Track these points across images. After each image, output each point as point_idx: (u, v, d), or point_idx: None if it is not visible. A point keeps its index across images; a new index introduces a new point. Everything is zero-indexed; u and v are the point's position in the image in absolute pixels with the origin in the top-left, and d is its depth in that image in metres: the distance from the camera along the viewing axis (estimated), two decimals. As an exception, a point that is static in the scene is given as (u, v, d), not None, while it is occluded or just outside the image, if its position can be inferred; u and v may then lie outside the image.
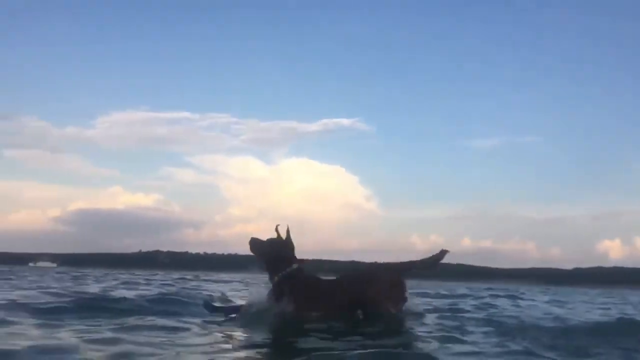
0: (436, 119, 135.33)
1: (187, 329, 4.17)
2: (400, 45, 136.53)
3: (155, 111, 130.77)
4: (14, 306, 5.55)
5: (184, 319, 4.59)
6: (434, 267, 4.47)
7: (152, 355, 3.31)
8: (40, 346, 3.52)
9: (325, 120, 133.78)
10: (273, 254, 4.24)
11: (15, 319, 4.80)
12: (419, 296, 8.24)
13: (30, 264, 77.08)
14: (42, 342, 3.72)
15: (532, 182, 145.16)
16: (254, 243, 4.37)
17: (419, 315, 5.07)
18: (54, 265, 78.02)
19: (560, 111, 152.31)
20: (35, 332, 4.25)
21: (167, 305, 5.46)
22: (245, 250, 4.48)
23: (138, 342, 3.77)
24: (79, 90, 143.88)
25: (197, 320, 4.53)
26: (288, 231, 4.31)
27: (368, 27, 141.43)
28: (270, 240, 4.30)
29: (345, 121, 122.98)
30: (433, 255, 4.47)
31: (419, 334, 4.36)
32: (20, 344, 3.59)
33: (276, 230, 4.28)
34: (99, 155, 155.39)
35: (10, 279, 13.69)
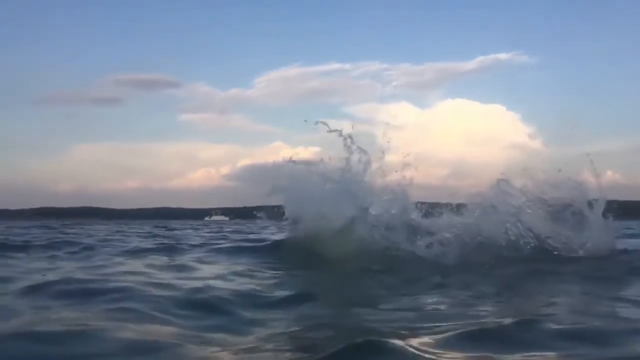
0: (608, 42, 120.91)
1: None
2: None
3: (308, 66, 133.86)
4: (235, 249, 6.39)
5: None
6: None
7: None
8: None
9: (480, 58, 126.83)
10: None
11: (239, 260, 5.42)
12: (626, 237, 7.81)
13: (206, 218, 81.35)
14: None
15: None
16: None
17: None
18: (227, 218, 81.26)
19: None
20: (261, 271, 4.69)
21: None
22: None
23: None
24: (237, 55, 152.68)
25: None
26: None
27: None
28: None
29: (503, 56, 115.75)
30: None
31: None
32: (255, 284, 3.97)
33: None
34: (259, 113, 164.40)
35: (203, 230, 15.30)
